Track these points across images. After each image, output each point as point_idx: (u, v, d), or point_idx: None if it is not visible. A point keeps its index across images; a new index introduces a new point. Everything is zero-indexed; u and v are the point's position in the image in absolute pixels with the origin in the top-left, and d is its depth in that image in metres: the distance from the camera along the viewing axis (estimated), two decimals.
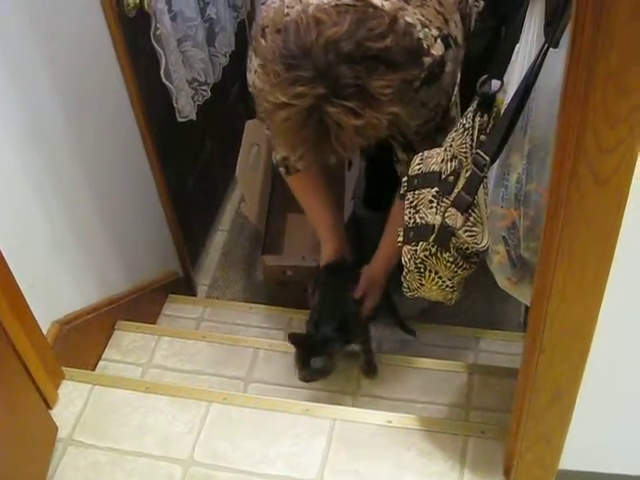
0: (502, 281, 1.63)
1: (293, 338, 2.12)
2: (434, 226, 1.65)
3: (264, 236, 2.88)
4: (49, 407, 2.01)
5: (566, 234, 1.19)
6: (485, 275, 1.69)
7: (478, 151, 1.51)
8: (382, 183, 2.27)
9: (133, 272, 2.64)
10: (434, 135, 1.92)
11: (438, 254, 1.66)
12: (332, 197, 2.34)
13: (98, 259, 2.39)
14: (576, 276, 1.24)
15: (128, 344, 2.41)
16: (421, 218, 1.69)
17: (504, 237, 1.54)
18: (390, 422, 1.93)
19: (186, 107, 2.70)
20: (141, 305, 2.64)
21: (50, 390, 2.01)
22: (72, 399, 2.04)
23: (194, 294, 3.06)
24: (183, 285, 3.00)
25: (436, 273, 1.70)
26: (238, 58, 2.67)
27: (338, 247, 2.29)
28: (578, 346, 1.35)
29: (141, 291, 2.67)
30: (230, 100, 3.30)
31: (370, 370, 2.27)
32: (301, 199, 2.33)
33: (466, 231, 1.60)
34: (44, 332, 2.06)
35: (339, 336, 2.11)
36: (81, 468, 1.89)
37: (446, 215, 1.60)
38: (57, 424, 1.96)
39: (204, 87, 2.81)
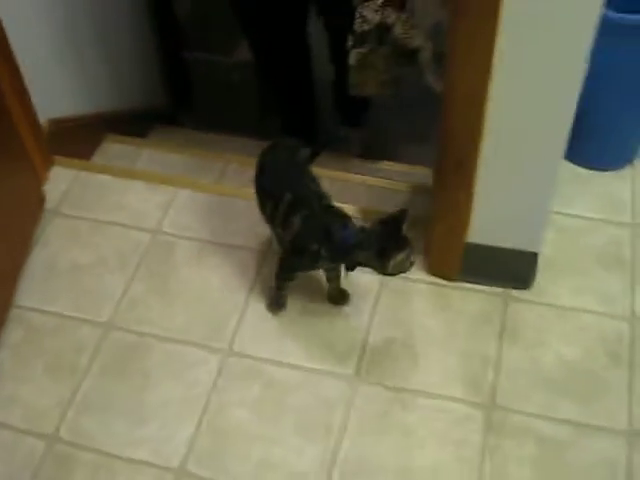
0: (430, 77, 1.90)
1: None
2: (375, 26, 1.92)
3: None
4: (40, 185, 2.30)
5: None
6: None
7: None
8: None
9: (122, 96, 2.91)
10: None
11: (379, 49, 1.93)
12: None
13: (90, 75, 2.66)
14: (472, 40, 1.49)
15: (114, 153, 2.68)
16: (367, 22, 1.96)
17: (432, 34, 1.82)
18: None
19: None
20: (128, 129, 2.89)
21: (42, 170, 2.32)
22: (60, 180, 2.34)
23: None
24: (169, 118, 3.26)
25: (375, 68, 1.98)
26: None
27: None
28: (475, 113, 1.61)
29: (129, 114, 2.93)
30: None
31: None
32: None
33: (403, 34, 1.88)
34: None
35: None
36: (64, 233, 2.20)
37: (384, 14, 1.87)
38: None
39: None
